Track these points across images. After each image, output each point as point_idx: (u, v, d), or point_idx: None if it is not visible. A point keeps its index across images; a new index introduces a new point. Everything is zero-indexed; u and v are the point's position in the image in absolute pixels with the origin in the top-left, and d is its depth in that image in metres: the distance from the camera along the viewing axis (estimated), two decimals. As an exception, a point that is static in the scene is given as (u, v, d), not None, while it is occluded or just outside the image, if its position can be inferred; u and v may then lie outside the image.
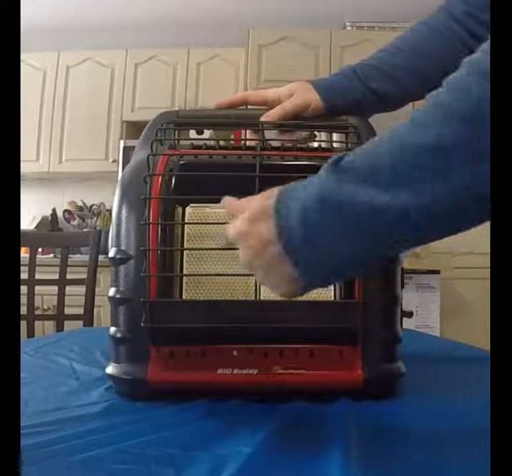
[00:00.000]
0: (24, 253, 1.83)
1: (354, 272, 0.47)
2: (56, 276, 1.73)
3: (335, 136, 0.75)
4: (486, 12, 0.71)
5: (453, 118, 0.36)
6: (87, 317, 1.69)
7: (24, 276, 1.49)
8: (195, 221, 0.59)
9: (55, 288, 1.72)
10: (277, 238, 0.42)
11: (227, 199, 0.50)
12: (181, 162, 0.62)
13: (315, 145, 0.66)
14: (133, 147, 0.69)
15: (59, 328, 1.69)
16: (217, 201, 0.59)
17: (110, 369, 0.60)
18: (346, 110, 0.70)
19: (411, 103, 0.75)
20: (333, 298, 0.58)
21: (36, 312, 1.79)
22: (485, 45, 0.38)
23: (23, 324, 1.62)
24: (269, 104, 0.70)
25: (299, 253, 0.41)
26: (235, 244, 0.46)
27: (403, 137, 0.39)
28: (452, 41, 0.74)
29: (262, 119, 0.67)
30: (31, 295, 1.70)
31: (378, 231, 0.39)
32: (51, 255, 2.88)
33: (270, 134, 0.69)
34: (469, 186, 0.37)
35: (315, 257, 0.41)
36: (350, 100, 0.72)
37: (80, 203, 3.29)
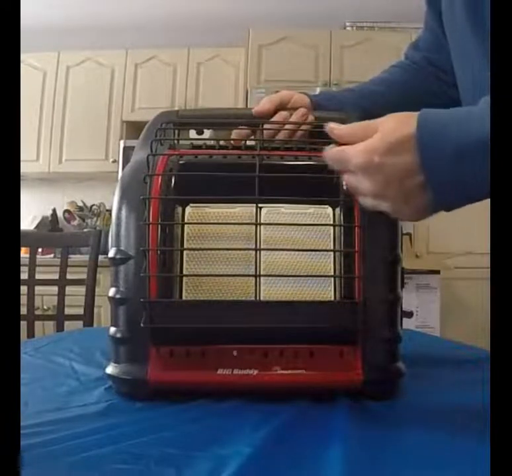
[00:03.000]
0: (24, 253, 1.83)
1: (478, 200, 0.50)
2: (56, 276, 1.73)
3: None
4: (439, 53, 0.81)
5: None
6: (87, 317, 1.69)
7: (24, 276, 1.49)
8: (195, 221, 0.59)
9: (55, 288, 1.72)
10: (422, 170, 0.43)
11: (333, 127, 0.51)
12: (181, 162, 0.62)
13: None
14: (133, 147, 0.69)
15: (59, 328, 1.69)
16: (217, 201, 0.59)
17: (110, 369, 0.60)
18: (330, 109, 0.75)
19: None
20: (333, 298, 0.58)
21: (36, 312, 1.79)
22: None
23: (23, 324, 1.62)
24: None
25: (445, 187, 0.44)
26: (356, 172, 0.47)
27: None
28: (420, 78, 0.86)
29: (254, 110, 0.69)
30: (31, 295, 1.70)
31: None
32: (51, 255, 2.88)
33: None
34: None
35: (459, 190, 0.44)
36: (336, 105, 0.78)
37: (80, 203, 3.29)
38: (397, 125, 0.45)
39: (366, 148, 0.46)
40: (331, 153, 0.50)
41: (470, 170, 0.43)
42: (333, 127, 0.51)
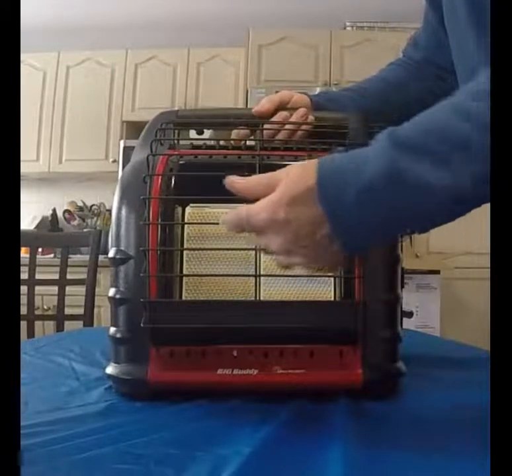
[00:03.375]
0: (24, 253, 1.83)
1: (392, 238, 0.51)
2: (56, 276, 1.73)
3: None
4: (439, 50, 0.80)
5: None
6: (87, 317, 1.69)
7: (24, 276, 1.49)
8: (195, 221, 0.59)
9: (55, 288, 1.72)
10: (326, 220, 0.42)
11: (234, 181, 0.48)
12: (181, 162, 0.62)
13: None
14: (133, 147, 0.69)
15: (59, 328, 1.69)
16: (217, 201, 0.59)
17: (110, 369, 0.60)
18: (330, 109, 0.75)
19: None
20: (333, 298, 0.58)
21: (36, 312, 1.79)
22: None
23: (23, 324, 1.62)
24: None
25: (353, 233, 0.43)
26: (262, 230, 0.45)
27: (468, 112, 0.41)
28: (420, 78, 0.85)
29: (254, 110, 0.69)
30: (31, 295, 1.70)
31: (433, 207, 0.41)
32: (51, 255, 2.88)
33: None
34: None
35: (368, 234, 0.43)
36: (335, 105, 0.77)
37: (80, 203, 3.29)
38: (298, 178, 0.44)
39: (269, 203, 0.44)
40: (228, 217, 0.47)
41: (374, 211, 0.41)
42: (233, 181, 0.48)
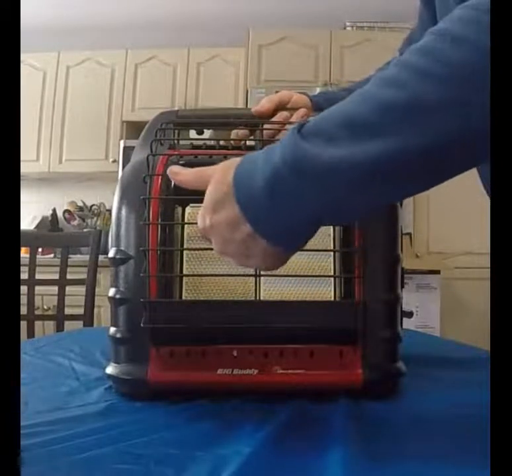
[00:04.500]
0: (24, 253, 1.83)
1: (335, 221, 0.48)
2: (56, 276, 1.73)
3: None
4: None
5: (428, 78, 0.37)
6: (87, 317, 1.69)
7: (24, 276, 1.49)
8: (195, 221, 0.59)
9: (55, 288, 1.72)
10: (244, 219, 0.42)
11: (175, 172, 0.51)
12: (181, 162, 0.62)
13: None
14: (133, 147, 0.69)
15: (59, 328, 1.69)
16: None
17: (110, 369, 0.60)
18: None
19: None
20: (332, 298, 0.58)
21: (36, 312, 1.79)
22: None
23: (23, 324, 1.62)
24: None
25: (269, 225, 0.42)
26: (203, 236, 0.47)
27: (374, 95, 0.39)
28: None
29: (254, 110, 0.69)
30: (31, 295, 1.70)
31: (350, 184, 0.39)
32: (51, 255, 2.88)
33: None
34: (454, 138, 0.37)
35: (284, 225, 0.42)
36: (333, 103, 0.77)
37: (80, 203, 3.29)
38: (219, 181, 0.44)
39: (201, 212, 0.46)
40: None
41: (284, 199, 0.40)
42: (175, 172, 0.51)
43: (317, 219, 0.42)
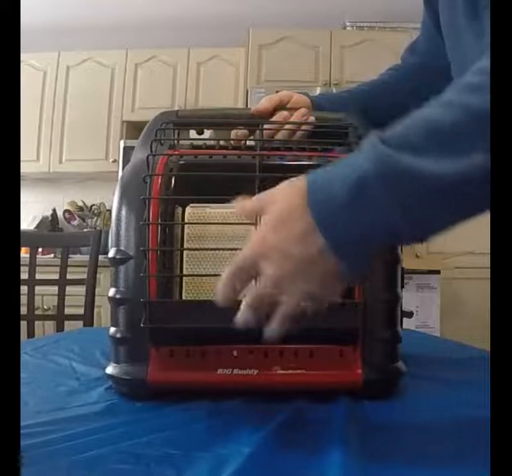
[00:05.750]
0: (24, 253, 1.83)
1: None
2: (56, 276, 1.73)
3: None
4: (436, 56, 0.79)
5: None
6: (87, 317, 1.69)
7: (24, 276, 1.49)
8: (195, 221, 0.59)
9: (55, 288, 1.72)
10: (315, 229, 0.40)
11: (242, 204, 0.48)
12: (181, 162, 0.62)
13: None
14: (133, 147, 0.69)
15: (59, 328, 1.69)
16: (217, 201, 0.59)
17: (110, 369, 0.60)
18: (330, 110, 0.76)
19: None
20: (333, 298, 0.58)
21: (36, 312, 1.79)
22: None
23: (23, 324, 1.62)
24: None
25: (343, 236, 0.40)
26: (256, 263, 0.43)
27: (460, 103, 0.39)
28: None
29: (253, 109, 0.69)
30: (31, 295, 1.70)
31: (435, 198, 0.38)
32: (51, 255, 2.87)
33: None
34: None
35: (362, 234, 0.40)
36: (335, 105, 0.78)
37: (80, 203, 3.29)
38: (289, 192, 0.42)
39: (260, 230, 0.43)
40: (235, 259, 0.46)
41: (368, 209, 0.39)
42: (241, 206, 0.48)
43: (394, 233, 0.40)
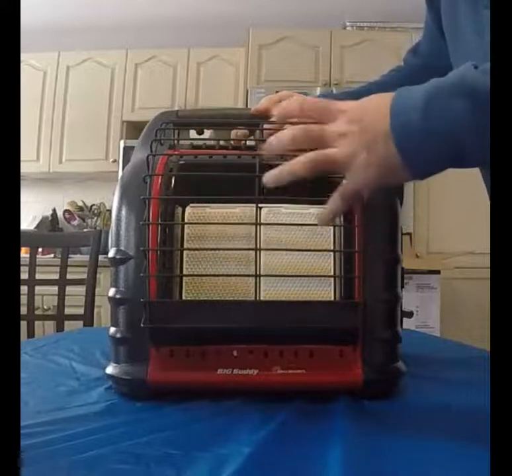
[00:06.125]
0: (24, 253, 1.83)
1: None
2: (56, 276, 1.73)
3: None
4: (438, 58, 0.81)
5: None
6: (87, 317, 1.69)
7: (24, 276, 1.49)
8: (195, 221, 0.59)
9: (55, 288, 1.72)
10: (390, 129, 0.44)
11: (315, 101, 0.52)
12: (181, 162, 0.62)
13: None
14: (133, 147, 0.69)
15: (59, 328, 1.69)
16: (217, 201, 0.59)
17: (110, 370, 0.60)
18: None
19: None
20: (333, 298, 0.58)
21: (36, 312, 1.79)
22: None
23: (23, 324, 1.62)
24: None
25: (416, 142, 0.44)
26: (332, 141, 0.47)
27: None
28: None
29: (253, 109, 0.69)
30: (31, 295, 1.70)
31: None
32: (51, 255, 2.88)
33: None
34: None
35: (429, 146, 0.44)
36: None
37: (80, 203, 3.29)
38: (373, 99, 0.48)
39: (343, 117, 0.48)
40: (295, 131, 0.51)
41: (439, 118, 0.43)
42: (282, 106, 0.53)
43: (461, 144, 0.44)
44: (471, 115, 0.42)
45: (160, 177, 0.59)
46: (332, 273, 0.58)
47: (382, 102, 0.47)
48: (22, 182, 2.94)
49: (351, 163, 0.47)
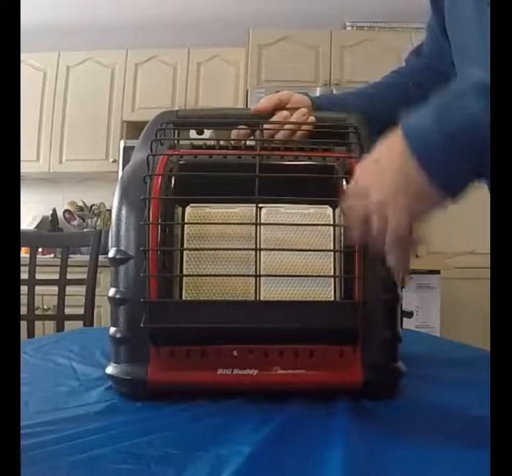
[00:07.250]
0: (24, 253, 1.83)
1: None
2: (56, 276, 1.73)
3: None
4: (441, 58, 0.82)
5: None
6: (87, 317, 1.69)
7: (24, 276, 1.49)
8: (195, 221, 0.59)
9: (55, 288, 1.72)
10: (407, 146, 0.46)
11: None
12: (181, 162, 0.62)
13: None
14: (133, 147, 0.69)
15: (59, 328, 1.69)
16: (217, 201, 0.59)
17: (110, 370, 0.60)
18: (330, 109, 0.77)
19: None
20: (333, 298, 0.58)
21: (36, 312, 1.79)
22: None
23: (23, 324, 1.62)
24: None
25: (435, 156, 0.46)
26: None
27: None
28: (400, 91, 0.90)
29: (253, 109, 0.69)
30: (31, 295, 1.70)
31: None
32: (51, 255, 2.87)
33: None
34: None
35: (452, 159, 0.46)
36: (336, 106, 0.79)
37: (80, 203, 3.29)
38: (386, 141, 0.50)
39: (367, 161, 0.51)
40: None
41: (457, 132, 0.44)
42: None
43: (478, 163, 0.45)
44: (485, 110, 0.43)
45: (160, 177, 0.59)
46: (332, 273, 0.58)
47: (390, 142, 0.49)
48: (22, 182, 2.94)
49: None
